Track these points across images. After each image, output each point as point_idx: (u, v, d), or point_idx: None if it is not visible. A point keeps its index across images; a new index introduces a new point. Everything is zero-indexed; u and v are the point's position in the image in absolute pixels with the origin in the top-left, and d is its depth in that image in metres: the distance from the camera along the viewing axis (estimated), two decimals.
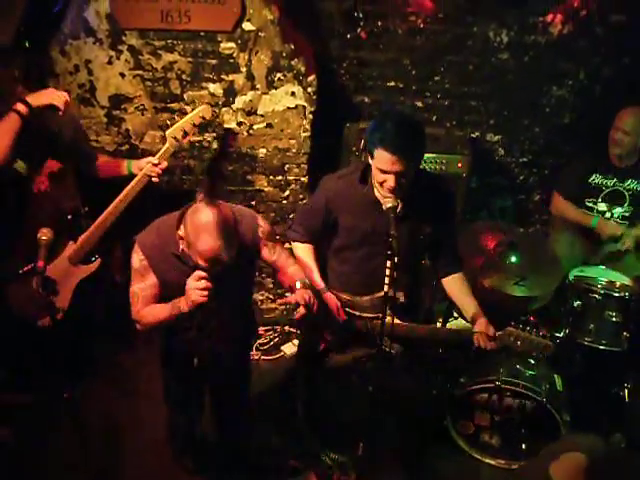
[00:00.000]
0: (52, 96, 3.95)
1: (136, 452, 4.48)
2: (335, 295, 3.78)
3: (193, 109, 4.58)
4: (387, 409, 3.89)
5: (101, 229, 4.26)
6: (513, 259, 4.56)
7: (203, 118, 4.31)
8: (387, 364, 3.66)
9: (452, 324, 4.45)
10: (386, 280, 3.16)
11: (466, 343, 3.73)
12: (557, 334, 4.56)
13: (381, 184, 3.34)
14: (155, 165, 4.24)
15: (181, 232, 3.16)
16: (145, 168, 4.23)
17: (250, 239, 3.42)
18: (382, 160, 3.26)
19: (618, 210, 4.95)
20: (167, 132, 4.17)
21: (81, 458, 3.91)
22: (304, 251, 3.84)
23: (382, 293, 3.25)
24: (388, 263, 3.13)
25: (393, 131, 3.24)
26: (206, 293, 3.10)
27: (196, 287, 3.09)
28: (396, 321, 3.46)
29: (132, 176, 4.31)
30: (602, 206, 4.97)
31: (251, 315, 4.00)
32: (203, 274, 3.10)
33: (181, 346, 3.62)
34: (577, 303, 4.55)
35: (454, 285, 3.80)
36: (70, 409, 3.71)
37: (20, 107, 3.84)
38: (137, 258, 3.35)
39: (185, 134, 4.19)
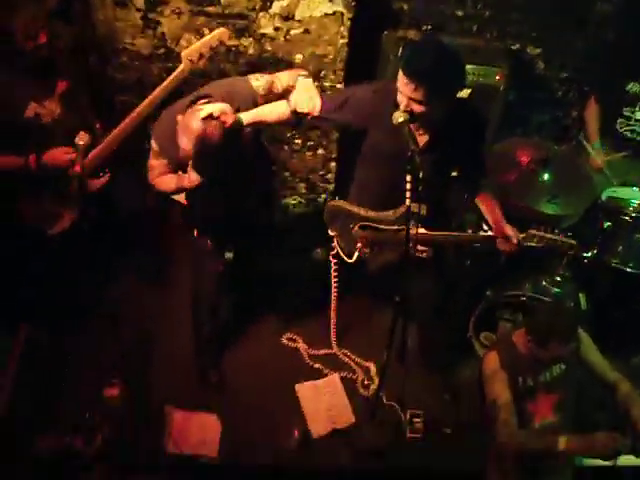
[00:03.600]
0: (62, 159, 4.08)
1: (164, 358, 4.79)
2: (361, 211, 4.03)
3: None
4: (413, 316, 4.09)
5: (111, 146, 4.26)
6: (546, 177, 4.68)
7: (221, 42, 4.32)
8: (418, 270, 3.81)
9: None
10: (407, 194, 3.31)
11: (490, 248, 3.93)
12: (585, 254, 4.69)
13: (400, 105, 3.45)
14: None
15: (179, 118, 3.70)
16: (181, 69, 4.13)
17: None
18: (400, 81, 3.37)
19: None
20: (183, 53, 4.10)
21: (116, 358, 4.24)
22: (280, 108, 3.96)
23: (404, 208, 3.47)
24: (408, 177, 3.28)
25: (415, 54, 3.36)
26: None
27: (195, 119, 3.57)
28: (422, 230, 3.67)
29: None
30: (639, 114, 5.06)
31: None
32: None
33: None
34: (607, 224, 4.67)
35: (482, 203, 3.99)
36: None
37: (31, 160, 4.04)
38: (153, 142, 3.93)
39: (201, 56, 4.11)
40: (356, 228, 4.09)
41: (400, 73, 3.36)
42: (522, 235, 3.82)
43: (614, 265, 4.68)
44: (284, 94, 4.01)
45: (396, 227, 3.90)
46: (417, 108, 3.38)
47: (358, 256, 4.14)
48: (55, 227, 4.36)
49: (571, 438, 3.43)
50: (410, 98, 3.36)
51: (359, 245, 4.09)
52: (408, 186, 3.30)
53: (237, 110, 3.72)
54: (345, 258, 4.22)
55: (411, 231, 3.49)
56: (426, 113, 3.42)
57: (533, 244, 3.84)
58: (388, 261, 4.09)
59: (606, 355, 3.91)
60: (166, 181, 4.01)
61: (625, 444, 3.36)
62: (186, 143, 3.57)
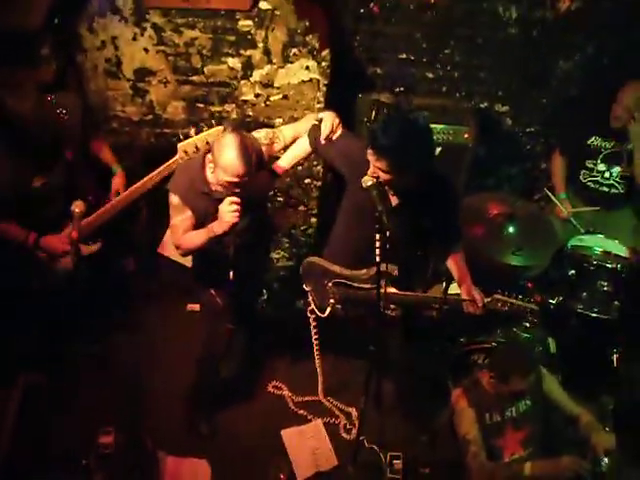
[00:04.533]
0: (57, 247, 4.41)
1: (157, 409, 4.99)
2: (335, 269, 4.27)
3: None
4: (387, 365, 4.37)
5: (101, 218, 4.52)
6: (511, 230, 4.97)
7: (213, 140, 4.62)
8: (388, 327, 4.10)
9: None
10: (377, 252, 3.55)
11: (457, 309, 4.16)
12: (551, 300, 4.99)
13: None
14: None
15: (209, 156, 3.87)
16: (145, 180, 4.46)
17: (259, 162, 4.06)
18: (368, 151, 3.63)
19: (616, 170, 5.36)
20: (179, 145, 4.29)
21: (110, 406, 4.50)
22: (302, 146, 4.23)
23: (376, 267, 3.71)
24: (377, 236, 3.51)
25: (380, 129, 3.57)
26: (237, 214, 3.79)
27: (229, 210, 3.77)
28: (392, 290, 3.97)
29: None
30: (601, 166, 5.38)
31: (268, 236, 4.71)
32: (234, 199, 3.78)
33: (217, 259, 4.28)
34: (571, 272, 4.97)
35: (451, 261, 4.24)
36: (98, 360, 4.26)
37: (31, 239, 4.35)
38: (173, 198, 4.02)
39: (196, 149, 4.29)
40: (330, 284, 4.28)
41: (369, 146, 3.62)
42: (487, 299, 4.06)
43: (579, 311, 4.94)
44: (286, 147, 4.30)
45: (368, 286, 4.12)
46: (382, 176, 3.62)
47: (330, 312, 4.36)
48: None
49: (536, 463, 3.81)
50: (376, 167, 3.62)
51: (332, 301, 4.32)
52: (377, 244, 3.53)
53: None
54: (318, 313, 4.44)
55: (382, 290, 3.75)
56: (391, 180, 3.66)
57: (498, 308, 4.09)
58: (361, 316, 4.32)
59: (575, 396, 4.24)
60: (194, 237, 4.04)
61: (586, 467, 3.74)
62: (221, 175, 3.78)
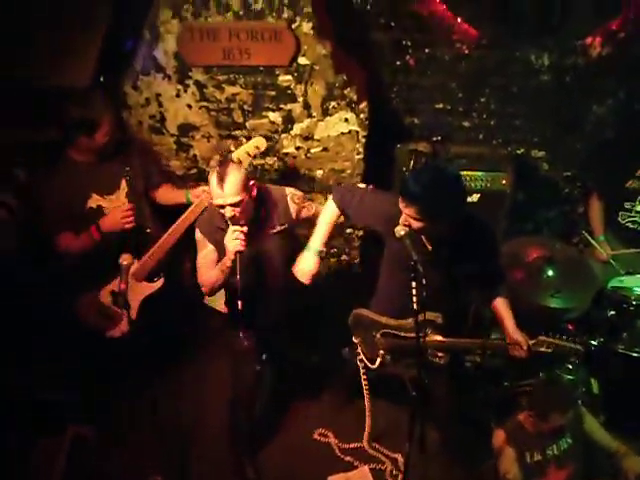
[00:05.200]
0: (120, 221, 4.64)
1: (204, 457, 5.06)
2: (382, 319, 4.34)
3: (255, 136, 5.25)
4: (432, 412, 4.36)
5: (162, 249, 4.78)
6: (550, 273, 5.02)
7: (257, 148, 4.83)
8: (435, 373, 4.11)
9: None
10: (414, 301, 3.57)
11: (503, 353, 4.21)
12: (593, 341, 5.05)
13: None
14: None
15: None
16: (201, 198, 4.70)
17: (282, 210, 4.40)
18: (399, 200, 3.71)
19: None
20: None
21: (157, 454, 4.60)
22: (330, 211, 4.35)
23: (422, 317, 3.74)
24: (413, 284, 3.55)
25: (411, 178, 3.65)
26: (241, 242, 4.02)
27: (232, 238, 4.02)
28: (438, 337, 4.06)
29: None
30: (639, 207, 5.41)
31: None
32: (238, 228, 4.04)
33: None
34: (612, 313, 5.02)
35: (495, 305, 4.25)
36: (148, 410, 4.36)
37: (95, 233, 4.61)
38: (197, 234, 4.36)
39: (239, 162, 4.61)
40: (378, 336, 4.35)
41: (401, 195, 3.70)
42: (532, 342, 4.06)
43: (620, 351, 4.97)
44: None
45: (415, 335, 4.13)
46: (414, 224, 3.68)
47: (380, 362, 4.40)
48: (114, 329, 4.82)
49: None
50: (407, 214, 3.70)
51: (381, 352, 4.39)
52: (414, 292, 3.56)
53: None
54: (368, 364, 4.49)
55: (427, 338, 3.84)
56: (424, 228, 3.72)
57: (543, 349, 4.08)
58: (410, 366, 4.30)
59: (619, 437, 4.27)
60: (212, 274, 4.31)
61: None
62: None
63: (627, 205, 5.47)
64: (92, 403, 5.07)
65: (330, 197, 4.35)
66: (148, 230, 4.91)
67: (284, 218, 4.42)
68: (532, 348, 4.06)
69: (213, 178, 4.00)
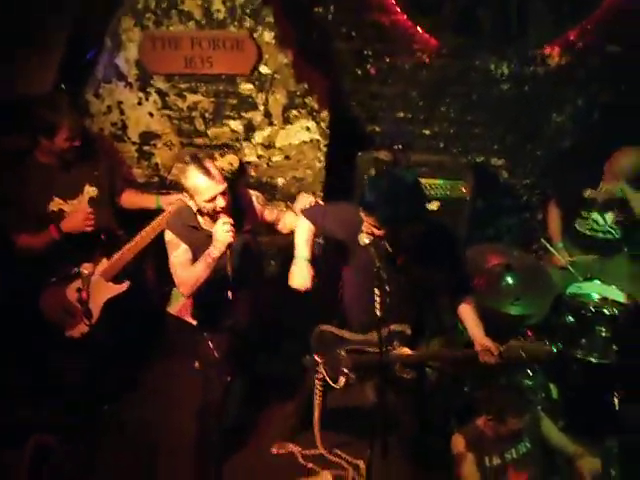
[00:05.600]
0: (81, 223, 4.64)
1: (168, 464, 5.00)
2: (346, 335, 4.28)
3: (216, 144, 5.30)
4: (394, 420, 4.37)
5: (132, 251, 4.79)
6: (509, 280, 5.07)
7: (231, 165, 4.90)
8: (402, 387, 4.14)
9: None
10: (377, 308, 3.58)
11: (473, 361, 4.15)
12: (552, 347, 5.10)
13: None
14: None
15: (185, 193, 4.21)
16: (176, 204, 4.68)
17: (249, 210, 4.49)
18: (361, 210, 3.68)
19: (610, 216, 5.47)
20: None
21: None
22: (305, 228, 4.30)
23: (387, 328, 3.85)
24: (377, 291, 3.56)
25: (368, 188, 3.66)
26: (232, 232, 4.05)
27: (223, 230, 4.04)
28: (406, 350, 4.03)
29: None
30: (595, 214, 5.49)
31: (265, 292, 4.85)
32: (227, 219, 4.06)
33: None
34: (570, 319, 5.09)
35: (462, 312, 4.24)
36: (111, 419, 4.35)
37: (54, 232, 4.61)
38: (167, 235, 4.30)
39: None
40: (342, 353, 4.22)
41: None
42: (502, 347, 3.99)
43: (579, 356, 5.02)
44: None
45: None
46: (376, 232, 3.66)
47: (345, 381, 4.26)
48: (74, 329, 4.81)
49: None
50: (368, 223, 3.67)
51: (345, 370, 4.23)
52: (377, 299, 3.59)
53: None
54: (331, 383, 4.31)
55: (396, 351, 3.86)
56: (386, 235, 3.69)
57: (514, 355, 4.00)
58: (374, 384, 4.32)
59: (580, 441, 4.31)
60: (193, 269, 4.23)
61: None
62: (201, 199, 4.10)
63: (584, 213, 5.56)
64: (56, 412, 5.03)
65: (300, 217, 4.35)
66: (120, 233, 4.96)
67: (252, 218, 4.48)
68: (503, 354, 4.01)
69: (195, 175, 4.02)
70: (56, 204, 4.67)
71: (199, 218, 4.28)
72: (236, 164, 4.92)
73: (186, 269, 4.28)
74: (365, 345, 4.18)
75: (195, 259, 4.26)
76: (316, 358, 4.35)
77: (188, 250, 4.30)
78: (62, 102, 4.54)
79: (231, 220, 4.08)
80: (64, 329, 4.81)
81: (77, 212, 4.67)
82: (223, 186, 4.09)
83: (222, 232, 4.05)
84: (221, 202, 4.08)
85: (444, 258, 4.01)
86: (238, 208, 4.36)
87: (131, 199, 5.12)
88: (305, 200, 4.56)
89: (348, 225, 3.98)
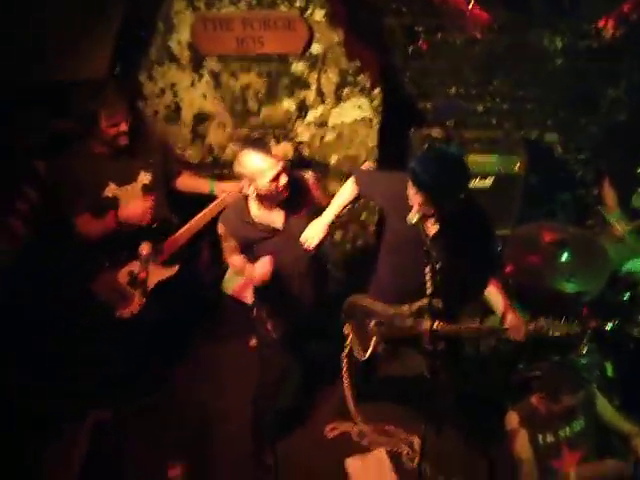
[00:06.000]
0: (140, 215, 4.68)
1: (223, 441, 5.16)
2: (377, 307, 4.36)
3: (269, 124, 5.37)
4: (446, 394, 4.47)
5: (184, 237, 4.91)
6: (565, 257, 5.03)
7: (285, 154, 5.09)
8: (435, 358, 4.11)
9: None
10: (428, 286, 3.68)
11: (502, 337, 4.27)
12: (607, 324, 5.10)
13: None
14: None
15: (248, 191, 4.19)
16: (229, 193, 4.85)
17: (307, 194, 4.47)
18: (409, 189, 3.73)
19: None
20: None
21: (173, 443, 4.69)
22: (348, 189, 4.40)
23: (420, 302, 3.96)
24: (428, 269, 3.64)
25: (419, 167, 3.64)
26: (268, 276, 4.18)
27: (261, 272, 4.19)
28: (437, 323, 3.99)
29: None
30: None
31: (323, 271, 4.92)
32: (269, 263, 4.18)
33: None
34: (626, 296, 5.07)
35: (491, 289, 4.23)
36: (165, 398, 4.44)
37: (112, 220, 4.64)
38: (220, 227, 4.37)
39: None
40: (372, 324, 4.35)
41: (409, 182, 3.72)
42: (531, 325, 4.03)
43: (635, 334, 4.98)
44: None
45: (411, 322, 4.17)
46: (427, 211, 3.72)
47: (372, 352, 4.40)
48: (125, 309, 4.85)
49: (580, 469, 4.00)
50: (416, 200, 3.71)
51: (374, 341, 4.37)
52: (428, 277, 3.66)
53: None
54: (361, 353, 4.50)
55: (426, 325, 3.88)
56: (436, 213, 3.78)
57: (542, 333, 4.03)
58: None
59: (635, 419, 4.31)
60: (236, 262, 4.46)
61: (628, 468, 3.95)
62: (262, 181, 4.08)
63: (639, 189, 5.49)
64: (109, 388, 5.16)
65: (351, 178, 4.40)
66: (173, 220, 5.00)
67: (309, 201, 4.47)
68: (531, 332, 4.04)
69: (254, 157, 4.05)
70: (111, 190, 4.70)
71: (253, 208, 4.28)
72: (290, 154, 4.94)
73: (233, 255, 4.47)
74: (394, 318, 4.26)
75: (248, 249, 4.40)
76: (344, 330, 4.54)
77: (237, 244, 4.40)
78: (102, 89, 4.56)
79: (271, 267, 4.18)
80: (113, 310, 4.86)
81: (137, 203, 4.70)
82: (283, 163, 4.12)
83: (260, 272, 4.21)
84: (284, 180, 4.11)
85: (478, 233, 4.06)
86: (295, 192, 4.34)
87: (186, 182, 5.16)
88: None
89: (393, 197, 4.03)
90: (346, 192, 4.36)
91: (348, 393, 4.87)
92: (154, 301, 4.90)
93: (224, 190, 4.90)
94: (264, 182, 4.06)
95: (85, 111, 4.45)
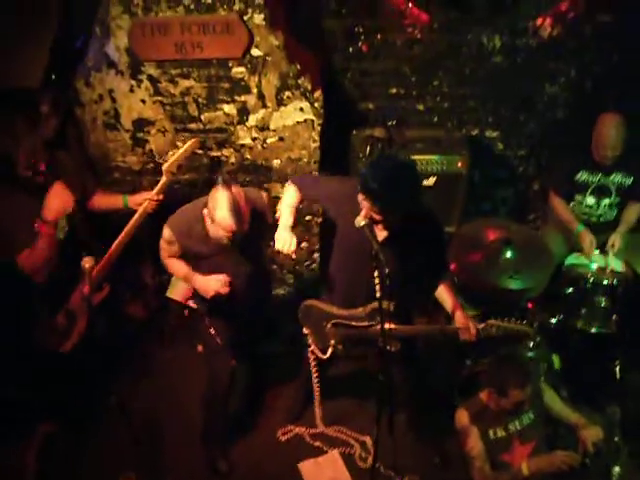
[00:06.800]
0: (64, 209, 4.49)
1: (175, 450, 5.16)
2: (333, 310, 4.40)
3: (210, 128, 5.35)
4: (397, 394, 4.40)
5: (110, 262, 4.79)
6: (508, 254, 5.11)
7: (194, 151, 5.03)
8: (390, 359, 4.10)
9: None
10: (377, 289, 3.66)
11: (452, 337, 4.27)
12: (552, 318, 5.21)
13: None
14: (154, 200, 4.82)
15: (205, 211, 4.09)
16: (144, 205, 4.79)
17: (260, 212, 4.36)
18: (359, 195, 3.76)
19: (605, 202, 5.51)
20: (164, 167, 4.74)
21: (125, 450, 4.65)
22: (291, 194, 4.36)
23: (372, 305, 4.06)
24: (376, 273, 3.63)
25: (369, 175, 3.66)
26: (223, 293, 4.26)
27: (214, 288, 4.29)
28: (392, 326, 4.10)
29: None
30: (590, 199, 5.52)
31: (266, 277, 4.98)
32: (226, 283, 4.24)
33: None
34: (569, 290, 5.20)
35: (442, 291, 4.32)
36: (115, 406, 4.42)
37: (45, 229, 4.39)
38: (166, 231, 4.31)
39: (179, 167, 4.80)
40: (329, 326, 4.40)
41: (359, 187, 3.75)
42: (481, 325, 4.14)
43: (579, 327, 5.15)
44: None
45: (366, 323, 4.26)
46: (376, 217, 3.75)
47: (331, 352, 4.46)
48: (67, 344, 4.76)
49: (532, 461, 4.08)
50: (367, 208, 3.74)
51: (332, 342, 4.43)
52: (377, 281, 3.65)
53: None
54: (319, 354, 4.54)
55: (380, 327, 3.84)
56: (384, 219, 3.80)
57: (492, 334, 4.16)
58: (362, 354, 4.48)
59: (582, 410, 4.46)
60: (176, 266, 4.49)
61: (577, 459, 4.03)
62: (216, 230, 4.06)
63: (578, 197, 5.62)
64: (59, 401, 5.06)
65: (287, 183, 4.42)
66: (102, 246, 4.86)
67: (264, 222, 4.47)
68: (481, 332, 4.15)
69: (225, 210, 3.96)
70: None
71: (208, 222, 4.18)
72: (197, 147, 5.15)
73: (171, 258, 4.50)
74: (349, 320, 4.33)
75: (192, 257, 4.42)
76: (304, 331, 4.54)
77: (178, 250, 4.41)
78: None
79: (227, 288, 4.29)
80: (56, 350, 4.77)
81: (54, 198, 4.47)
82: (245, 227, 4.06)
83: (213, 288, 4.33)
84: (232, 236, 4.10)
85: (427, 237, 4.13)
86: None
87: (100, 201, 5.00)
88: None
89: (338, 201, 4.11)
90: (289, 197, 4.36)
91: (316, 393, 4.91)
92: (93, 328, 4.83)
93: (136, 202, 4.84)
94: (218, 228, 4.04)
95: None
